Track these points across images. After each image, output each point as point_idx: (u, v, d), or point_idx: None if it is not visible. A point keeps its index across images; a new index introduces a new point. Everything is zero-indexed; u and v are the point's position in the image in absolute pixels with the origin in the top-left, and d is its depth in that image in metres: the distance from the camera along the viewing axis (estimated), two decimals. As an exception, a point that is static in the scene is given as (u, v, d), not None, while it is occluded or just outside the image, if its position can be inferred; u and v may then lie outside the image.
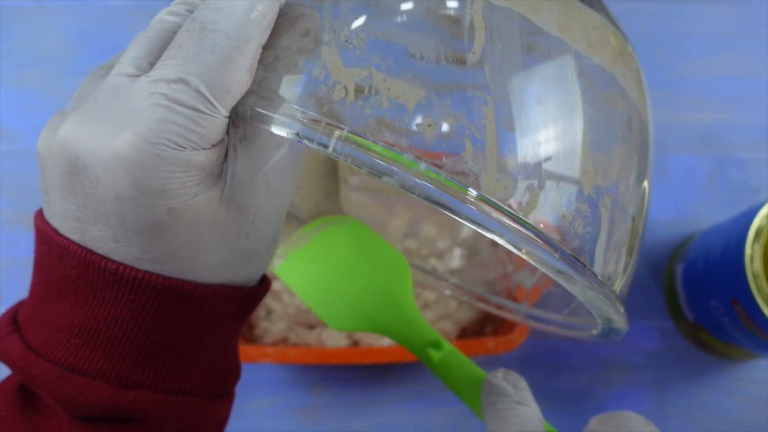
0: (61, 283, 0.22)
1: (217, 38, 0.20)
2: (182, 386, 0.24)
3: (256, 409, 0.48)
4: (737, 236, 0.39)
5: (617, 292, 0.24)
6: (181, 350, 0.23)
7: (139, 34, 0.22)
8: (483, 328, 0.46)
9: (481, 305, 0.41)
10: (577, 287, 0.21)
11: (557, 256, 0.20)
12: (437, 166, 0.19)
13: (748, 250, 0.38)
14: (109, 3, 0.54)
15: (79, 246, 0.22)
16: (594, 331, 0.30)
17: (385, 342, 0.45)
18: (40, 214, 0.23)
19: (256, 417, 0.48)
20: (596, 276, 0.22)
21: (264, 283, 0.26)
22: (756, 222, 0.38)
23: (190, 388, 0.24)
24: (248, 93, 0.21)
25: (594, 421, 0.28)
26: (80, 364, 0.22)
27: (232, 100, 0.20)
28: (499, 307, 0.40)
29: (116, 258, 0.22)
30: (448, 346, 0.32)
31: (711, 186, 0.51)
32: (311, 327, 0.45)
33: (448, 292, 0.43)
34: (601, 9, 0.25)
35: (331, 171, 0.43)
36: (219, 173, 0.22)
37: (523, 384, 0.29)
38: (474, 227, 0.19)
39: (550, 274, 0.20)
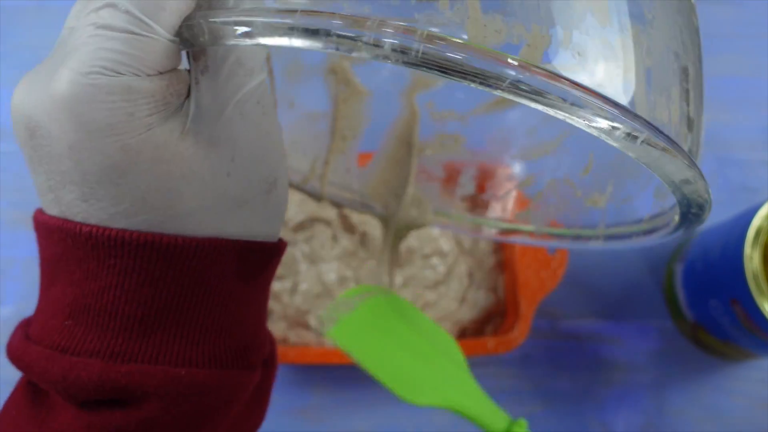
0: (52, 267, 0.21)
1: None
2: (186, 357, 0.21)
3: (256, 408, 0.48)
4: (736, 236, 0.39)
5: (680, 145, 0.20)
6: (179, 318, 0.21)
7: None
8: (483, 328, 0.46)
9: (555, 244, 0.38)
10: (627, 142, 0.18)
11: (611, 107, 0.17)
12: (409, 30, 0.16)
13: (747, 250, 0.38)
14: (109, 3, 0.55)
15: (57, 218, 0.21)
16: (673, 222, 0.26)
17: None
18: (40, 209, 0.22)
19: (256, 417, 0.48)
20: (644, 119, 0.18)
21: (277, 242, 0.24)
22: (755, 222, 0.38)
23: (195, 359, 0.22)
24: (203, 10, 0.19)
25: None
26: (73, 345, 0.21)
27: (169, 17, 0.19)
28: (576, 238, 0.37)
29: (92, 221, 0.20)
30: (526, 427, 0.32)
31: (710, 186, 0.51)
32: (311, 328, 0.45)
33: (518, 239, 0.40)
34: None
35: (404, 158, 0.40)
36: (179, 105, 0.20)
37: None
38: (509, 95, 0.16)
39: (596, 131, 0.17)
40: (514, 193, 0.41)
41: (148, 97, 0.19)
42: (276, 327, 0.45)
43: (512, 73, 0.15)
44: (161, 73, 0.19)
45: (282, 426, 0.48)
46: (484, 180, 0.42)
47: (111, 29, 0.19)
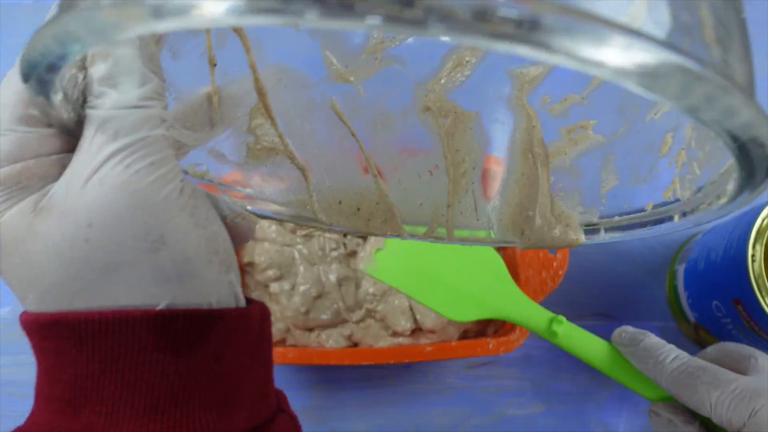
0: None
1: None
2: None
3: (255, 409, 0.48)
4: (739, 237, 0.39)
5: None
6: (102, 396, 0.21)
7: None
8: (485, 329, 0.46)
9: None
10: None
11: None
12: None
13: (749, 251, 0.37)
14: (107, 1, 0.54)
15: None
16: (723, 198, 0.21)
17: (384, 343, 0.45)
18: None
19: (256, 418, 0.48)
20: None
21: (217, 310, 0.22)
22: (758, 222, 0.38)
23: None
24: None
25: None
26: (29, 427, 0.22)
27: (7, 111, 0.21)
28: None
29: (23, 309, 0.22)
30: (566, 321, 0.35)
31: (712, 186, 0.51)
32: (310, 330, 0.45)
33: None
34: None
35: None
36: (39, 186, 0.22)
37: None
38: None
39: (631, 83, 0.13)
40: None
41: None
42: (274, 328, 0.45)
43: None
44: (17, 162, 0.21)
45: (281, 427, 0.48)
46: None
47: None
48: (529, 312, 0.37)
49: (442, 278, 0.37)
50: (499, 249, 0.46)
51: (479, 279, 0.38)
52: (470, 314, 0.37)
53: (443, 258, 0.38)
